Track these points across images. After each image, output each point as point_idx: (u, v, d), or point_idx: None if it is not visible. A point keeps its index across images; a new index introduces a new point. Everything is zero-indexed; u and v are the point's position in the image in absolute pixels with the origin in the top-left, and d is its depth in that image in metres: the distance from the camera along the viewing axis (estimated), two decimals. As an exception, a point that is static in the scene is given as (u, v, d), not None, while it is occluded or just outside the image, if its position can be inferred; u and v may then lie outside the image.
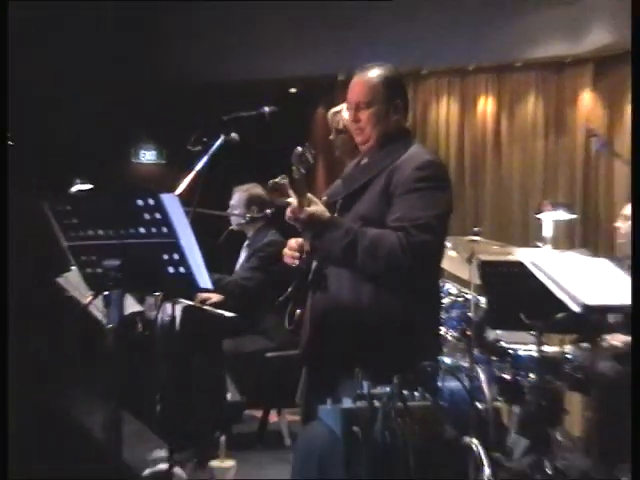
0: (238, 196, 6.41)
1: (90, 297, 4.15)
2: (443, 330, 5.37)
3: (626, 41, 7.06)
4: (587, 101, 7.78)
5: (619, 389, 4.92)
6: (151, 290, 4.22)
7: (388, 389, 2.81)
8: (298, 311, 3.45)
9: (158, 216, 3.03)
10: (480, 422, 5.25)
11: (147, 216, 3.05)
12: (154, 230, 3.06)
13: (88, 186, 5.47)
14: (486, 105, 8.26)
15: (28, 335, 7.59)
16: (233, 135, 4.15)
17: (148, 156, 10.04)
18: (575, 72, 7.84)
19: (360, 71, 3.57)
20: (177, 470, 4.89)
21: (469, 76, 8.31)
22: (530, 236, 7.38)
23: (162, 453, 4.95)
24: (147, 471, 4.88)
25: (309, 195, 3.31)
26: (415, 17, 7.82)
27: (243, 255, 6.46)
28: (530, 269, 4.11)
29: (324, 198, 3.55)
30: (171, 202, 3.02)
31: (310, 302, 3.47)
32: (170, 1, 8.51)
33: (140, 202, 3.05)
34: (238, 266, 6.47)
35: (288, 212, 3.35)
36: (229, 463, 5.55)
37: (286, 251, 3.54)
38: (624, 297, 4.27)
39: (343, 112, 4.53)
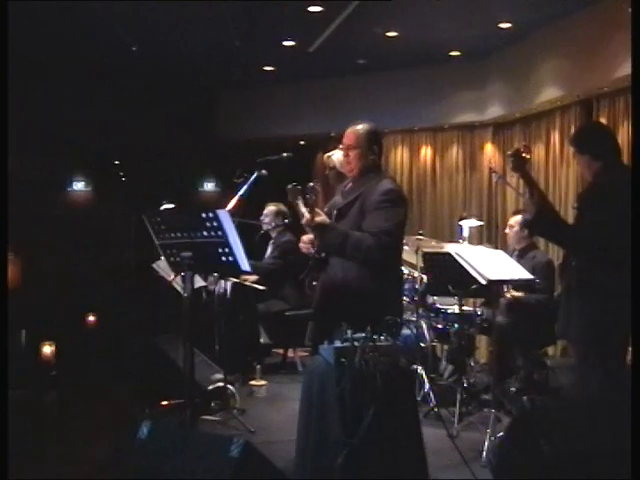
0: (269, 209, 6.32)
1: (173, 276, 4.16)
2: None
3: (512, 113, 7.10)
4: (489, 150, 7.71)
5: (508, 332, 4.91)
6: (211, 272, 4.18)
7: (363, 334, 2.81)
8: (314, 283, 3.39)
9: (215, 224, 3.03)
10: (423, 355, 5.26)
11: (208, 224, 3.05)
12: (212, 233, 3.06)
13: (172, 205, 5.44)
14: (426, 152, 8.19)
15: (139, 302, 7.61)
16: (263, 172, 4.12)
17: (209, 187, 10.10)
18: (481, 132, 7.74)
19: (352, 125, 3.53)
20: (229, 386, 4.87)
21: (415, 134, 8.23)
22: (454, 236, 7.34)
23: (219, 376, 4.94)
24: (210, 387, 4.87)
25: (317, 209, 3.28)
26: (380, 96, 7.84)
27: (269, 249, 6.42)
28: (455, 257, 4.10)
29: (326, 209, 3.49)
30: (223, 215, 3.02)
31: (321, 278, 3.40)
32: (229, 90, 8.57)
33: (204, 215, 3.05)
34: (266, 256, 6.43)
35: (304, 221, 3.33)
36: (262, 382, 5.55)
37: (302, 245, 3.45)
38: (513, 274, 4.27)
39: (334, 156, 4.48)
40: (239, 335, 5.73)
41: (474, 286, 4.36)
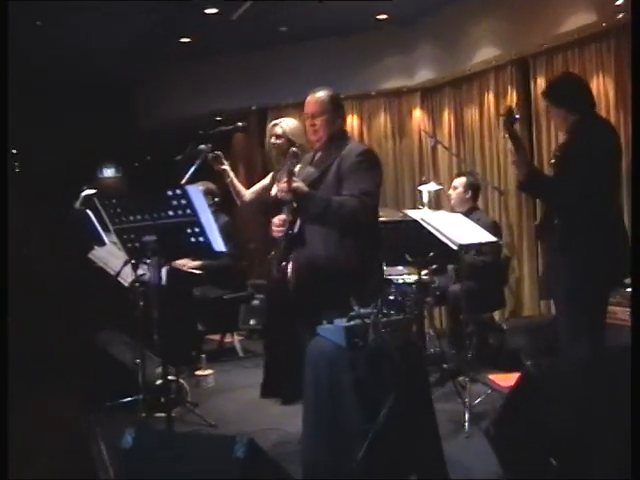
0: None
1: (121, 267, 3.88)
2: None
3: (442, 76, 7.06)
4: (418, 115, 7.64)
5: (462, 299, 4.86)
6: (179, 256, 3.88)
7: (370, 310, 2.61)
8: (283, 263, 3.20)
9: (183, 202, 2.78)
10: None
11: (175, 202, 2.80)
12: (180, 212, 2.81)
13: (93, 191, 5.09)
14: (352, 121, 7.98)
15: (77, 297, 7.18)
16: (203, 146, 3.82)
17: (108, 173, 10.20)
18: (409, 97, 7.63)
19: (312, 92, 3.37)
20: (180, 380, 4.61)
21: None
22: (386, 202, 7.20)
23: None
24: (158, 382, 4.59)
25: (293, 177, 3.03)
26: (303, 65, 7.61)
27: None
28: (422, 223, 3.97)
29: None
30: (193, 191, 2.78)
31: (294, 255, 3.21)
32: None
33: (170, 193, 2.79)
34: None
35: (280, 188, 3.07)
36: (209, 371, 5.31)
37: (274, 228, 3.24)
38: (480, 237, 4.22)
39: (282, 123, 4.29)
40: (178, 324, 5.48)
41: (430, 254, 4.28)
